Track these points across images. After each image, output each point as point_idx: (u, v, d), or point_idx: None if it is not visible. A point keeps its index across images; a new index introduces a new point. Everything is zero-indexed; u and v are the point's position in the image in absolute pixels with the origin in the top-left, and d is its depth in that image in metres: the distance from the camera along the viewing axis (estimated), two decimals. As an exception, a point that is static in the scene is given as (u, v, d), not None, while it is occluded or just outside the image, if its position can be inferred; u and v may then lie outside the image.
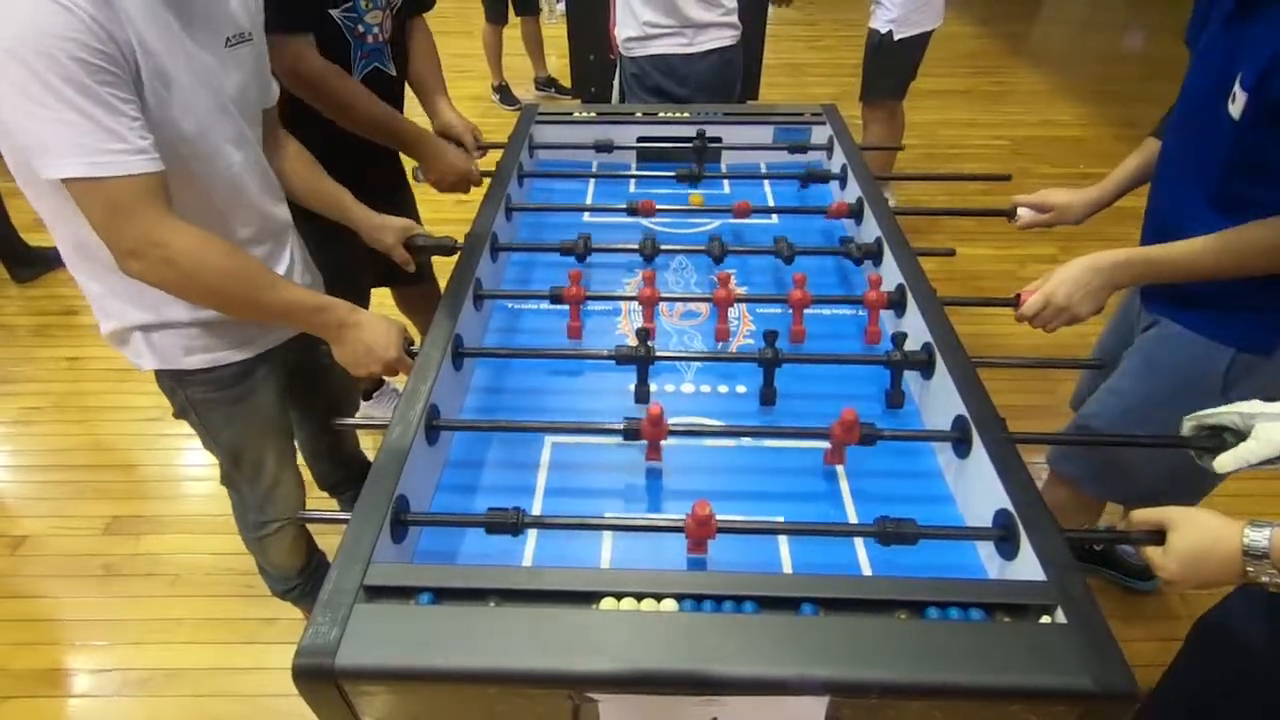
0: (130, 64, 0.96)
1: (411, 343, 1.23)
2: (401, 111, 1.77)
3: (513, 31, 4.58)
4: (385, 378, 1.25)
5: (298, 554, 1.68)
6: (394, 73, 1.73)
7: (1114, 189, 1.46)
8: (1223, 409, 0.99)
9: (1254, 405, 0.97)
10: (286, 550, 1.64)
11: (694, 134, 1.93)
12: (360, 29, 1.59)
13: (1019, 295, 1.28)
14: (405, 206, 2.01)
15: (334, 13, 1.51)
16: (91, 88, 0.92)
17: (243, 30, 1.16)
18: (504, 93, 4.73)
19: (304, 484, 1.60)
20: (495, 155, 1.82)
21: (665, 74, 2.21)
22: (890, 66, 3.02)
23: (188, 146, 1.08)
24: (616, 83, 2.50)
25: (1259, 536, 0.82)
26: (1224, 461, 0.97)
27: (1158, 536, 0.89)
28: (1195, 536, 0.85)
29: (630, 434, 1.06)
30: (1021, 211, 1.53)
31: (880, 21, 2.93)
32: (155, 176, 1.00)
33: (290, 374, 1.41)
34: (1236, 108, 1.07)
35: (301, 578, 1.72)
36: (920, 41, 2.96)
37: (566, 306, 1.35)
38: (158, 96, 1.01)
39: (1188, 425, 1.02)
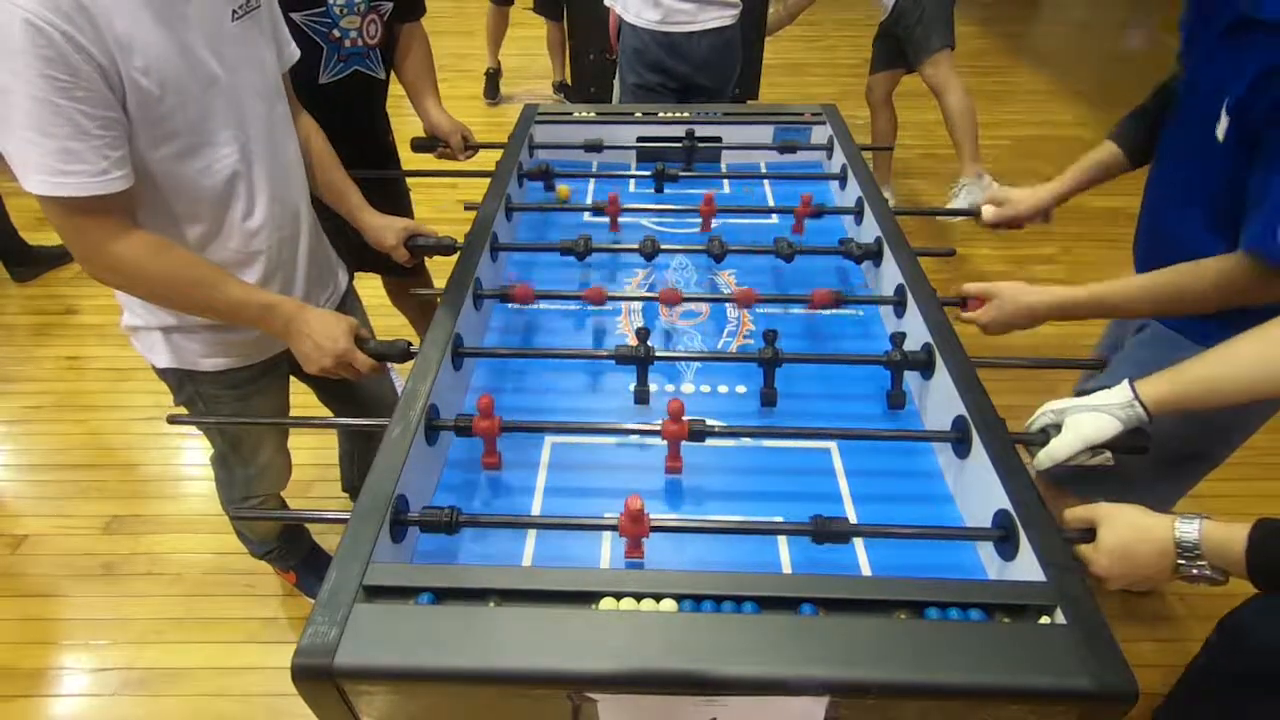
0: (109, 72, 0.97)
1: (364, 339, 1.24)
2: (384, 112, 1.86)
3: (537, 31, 4.55)
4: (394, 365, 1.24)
5: (276, 522, 1.76)
6: (381, 76, 1.76)
7: (1072, 184, 1.47)
8: (1039, 410, 1.03)
9: (1066, 401, 1.00)
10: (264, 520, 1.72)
11: (700, 135, 1.93)
12: (336, 34, 1.61)
13: (965, 301, 1.30)
14: (398, 200, 2.03)
15: (295, 16, 1.51)
16: (60, 106, 0.93)
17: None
18: (490, 80, 4.65)
19: (291, 466, 1.65)
20: (495, 155, 1.82)
21: (668, 50, 2.23)
22: (937, 8, 2.96)
23: (185, 137, 1.09)
24: (617, 83, 2.50)
25: (1189, 529, 0.83)
26: (1039, 459, 1.00)
27: (1089, 534, 0.90)
28: (1124, 532, 0.87)
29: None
30: (986, 210, 1.54)
31: None
32: (112, 196, 1.01)
33: (322, 379, 1.41)
34: (1222, 129, 1.07)
35: (279, 541, 1.79)
36: None
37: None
38: (146, 94, 1.02)
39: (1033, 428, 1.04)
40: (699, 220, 1.65)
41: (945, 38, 3.01)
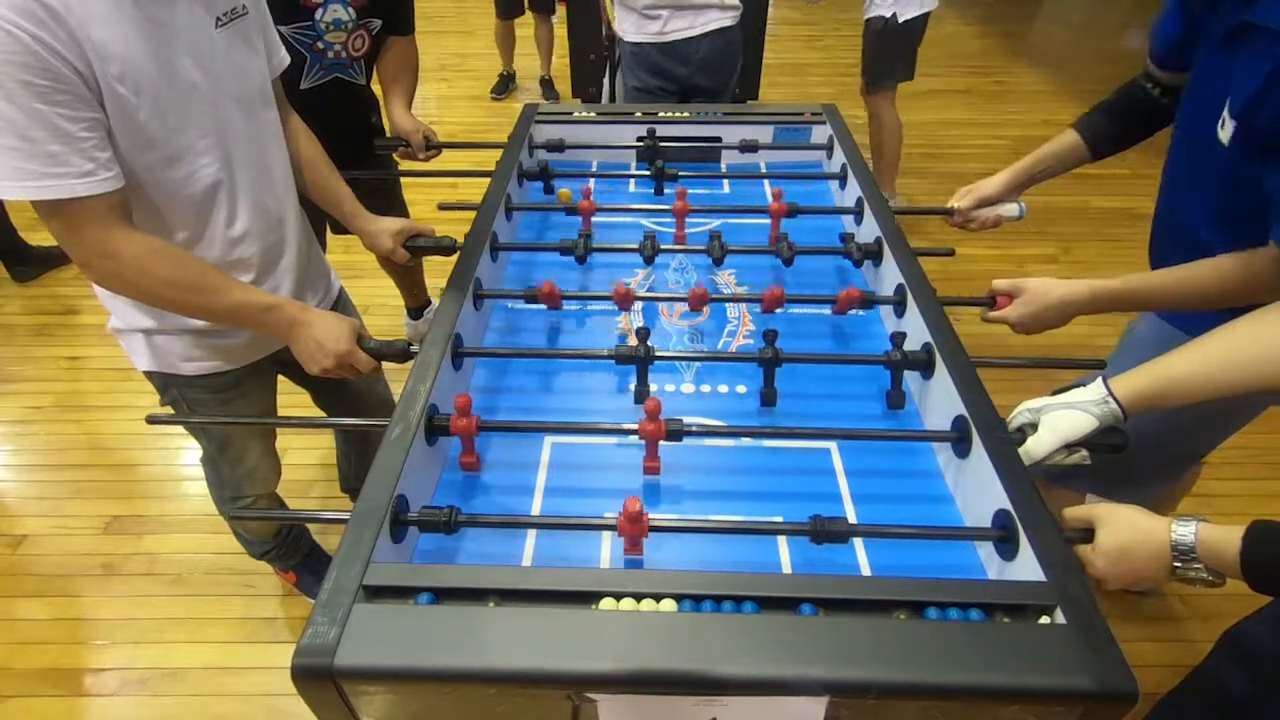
0: (86, 76, 0.96)
1: (364, 339, 1.24)
2: (372, 112, 1.98)
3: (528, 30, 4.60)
4: (410, 348, 1.22)
5: (271, 522, 1.75)
6: (362, 82, 1.87)
7: (1031, 167, 1.48)
8: (1016, 409, 1.03)
9: (1042, 400, 1.00)
10: (260, 520, 1.72)
11: (700, 135, 1.93)
12: (320, 45, 1.69)
13: (995, 298, 1.29)
14: (388, 195, 2.11)
15: (282, 29, 1.54)
16: (38, 111, 0.93)
17: (235, 5, 1.16)
18: (502, 81, 4.77)
19: (280, 467, 1.65)
20: (495, 154, 1.82)
21: (668, 55, 2.23)
22: (897, 50, 3.08)
23: (164, 145, 1.08)
24: (607, 82, 2.51)
25: (1186, 532, 0.83)
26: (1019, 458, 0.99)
27: (1088, 534, 0.90)
28: (1122, 533, 0.87)
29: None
30: (957, 199, 1.55)
31: (882, 7, 2.99)
32: (102, 196, 1.00)
33: (317, 379, 1.41)
34: (1226, 133, 1.07)
35: (276, 541, 1.78)
36: (923, 21, 3.05)
37: (545, 306, 1.35)
38: (124, 102, 1.01)
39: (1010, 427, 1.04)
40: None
41: (900, 73, 3.17)
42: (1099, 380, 0.97)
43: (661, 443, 1.09)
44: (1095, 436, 0.96)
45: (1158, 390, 0.95)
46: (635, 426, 1.07)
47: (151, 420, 1.22)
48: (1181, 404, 0.95)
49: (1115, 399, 0.95)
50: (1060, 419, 0.97)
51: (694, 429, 1.09)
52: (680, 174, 1.78)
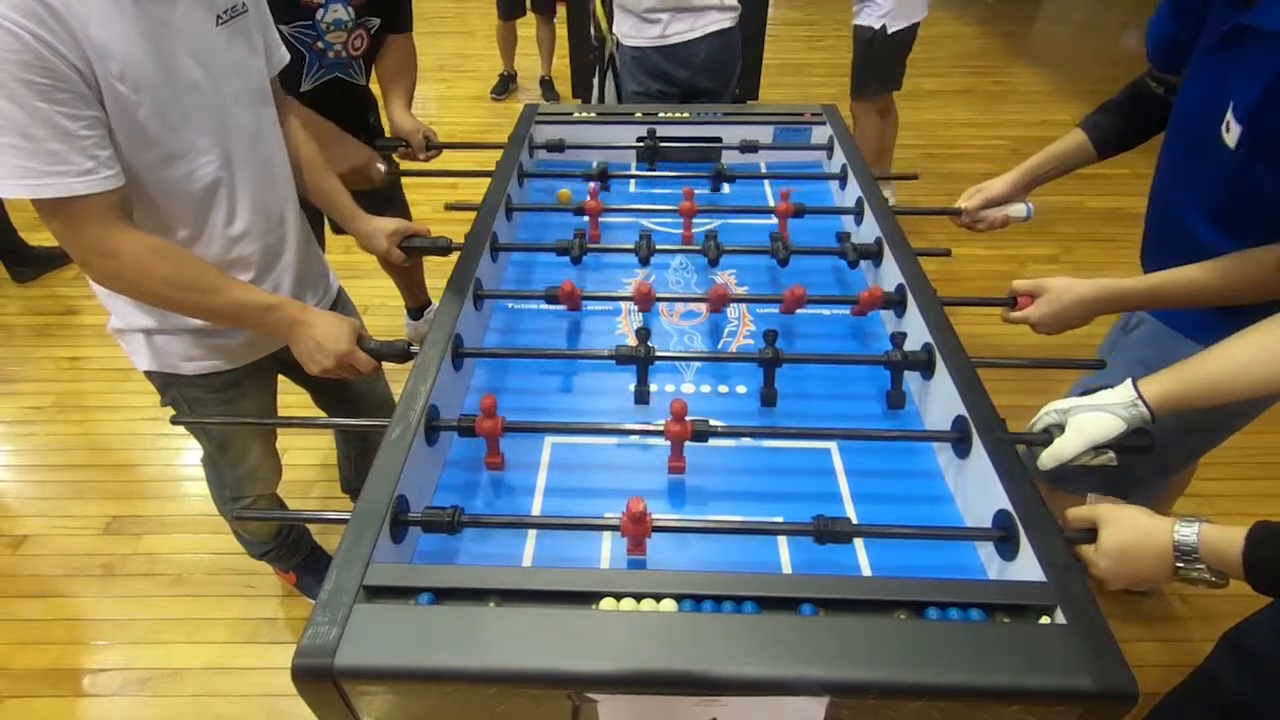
0: (86, 75, 0.96)
1: (364, 339, 1.24)
2: (371, 112, 1.98)
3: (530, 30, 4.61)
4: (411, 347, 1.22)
5: (272, 523, 1.75)
6: (362, 82, 1.87)
7: (1038, 166, 1.48)
8: (1043, 410, 1.02)
9: (1069, 401, 1.00)
10: (261, 521, 1.72)
11: (700, 135, 1.94)
12: (320, 45, 1.69)
13: (1015, 299, 1.29)
14: (390, 195, 2.10)
15: (283, 28, 1.54)
16: (38, 109, 0.93)
17: (235, 4, 1.16)
18: (503, 82, 4.77)
19: (281, 467, 1.65)
20: (495, 155, 1.82)
21: (667, 57, 2.23)
22: (885, 60, 3.07)
23: (165, 144, 1.08)
24: (596, 83, 2.51)
25: (1188, 532, 0.83)
26: (1043, 459, 1.00)
27: (1090, 534, 0.90)
28: (1125, 534, 0.87)
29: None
30: (964, 200, 1.55)
31: (871, 17, 2.98)
32: (102, 194, 1.00)
33: (317, 379, 1.42)
34: (1231, 137, 1.07)
35: (276, 541, 1.78)
36: (912, 32, 3.03)
37: (564, 306, 1.35)
38: (124, 100, 1.01)
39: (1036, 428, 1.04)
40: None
41: (887, 83, 3.15)
42: (1128, 383, 0.97)
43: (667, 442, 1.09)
44: (1121, 438, 0.96)
45: (1187, 393, 0.95)
46: (660, 427, 1.07)
47: (175, 421, 1.25)
48: (1208, 405, 0.95)
49: (1144, 402, 0.95)
50: (1088, 422, 0.96)
51: (720, 430, 1.09)
52: (683, 174, 1.78)
